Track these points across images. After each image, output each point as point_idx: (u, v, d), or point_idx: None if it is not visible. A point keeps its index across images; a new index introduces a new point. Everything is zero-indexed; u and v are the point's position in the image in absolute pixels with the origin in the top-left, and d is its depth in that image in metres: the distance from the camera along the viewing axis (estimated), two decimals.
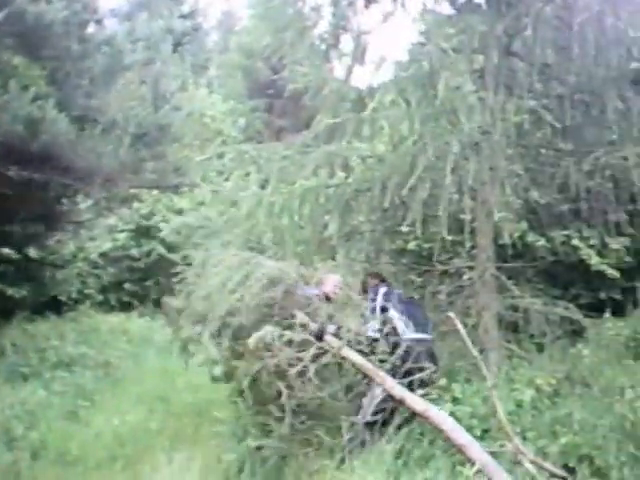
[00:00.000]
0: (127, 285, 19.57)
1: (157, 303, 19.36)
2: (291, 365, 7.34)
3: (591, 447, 6.54)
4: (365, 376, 7.42)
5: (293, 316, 7.82)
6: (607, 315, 9.56)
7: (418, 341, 7.70)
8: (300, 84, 9.41)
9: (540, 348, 8.90)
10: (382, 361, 7.36)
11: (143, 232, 19.85)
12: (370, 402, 7.30)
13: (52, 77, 13.15)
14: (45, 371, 11.38)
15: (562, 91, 9.00)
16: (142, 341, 14.42)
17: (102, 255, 19.56)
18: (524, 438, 6.66)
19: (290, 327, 7.66)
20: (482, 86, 8.45)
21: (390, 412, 7.19)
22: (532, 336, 9.02)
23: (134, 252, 19.69)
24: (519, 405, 7.18)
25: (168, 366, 12.09)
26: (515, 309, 9.13)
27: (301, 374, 7.32)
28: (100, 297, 18.90)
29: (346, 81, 9.39)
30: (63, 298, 17.23)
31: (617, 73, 8.89)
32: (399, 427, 7.02)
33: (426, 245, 10.22)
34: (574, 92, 8.95)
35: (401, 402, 6.97)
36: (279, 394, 7.28)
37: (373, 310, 7.95)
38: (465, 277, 9.57)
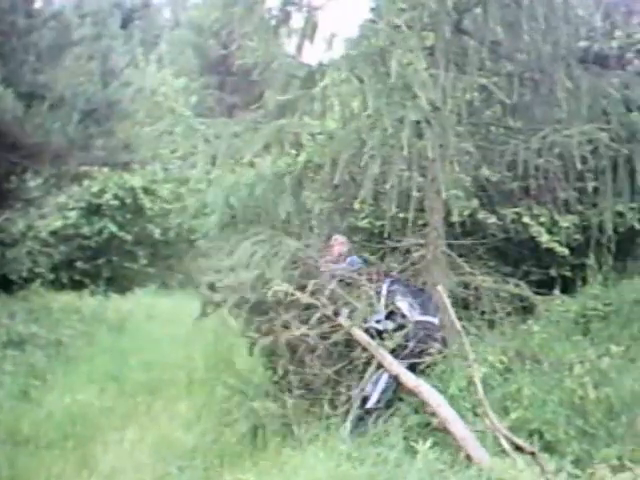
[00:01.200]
0: (78, 263, 19.41)
1: (109, 281, 19.28)
2: (302, 341, 7.61)
3: (541, 422, 6.64)
4: (368, 362, 7.50)
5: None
6: (557, 292, 9.67)
7: (424, 323, 7.81)
8: (249, 60, 9.35)
9: (491, 325, 8.96)
10: (382, 339, 7.52)
11: (94, 210, 19.67)
12: (373, 389, 7.36)
13: None
14: None
15: (512, 69, 9.05)
16: (94, 320, 14.29)
17: (52, 233, 19.33)
18: (475, 414, 6.72)
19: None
20: (433, 63, 8.44)
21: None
22: (483, 313, 9.06)
23: (85, 230, 19.51)
24: (469, 382, 7.23)
25: (120, 345, 12.02)
26: (466, 286, 9.18)
27: (311, 351, 7.58)
28: (51, 276, 18.70)
29: (296, 57, 9.31)
30: (13, 277, 17.01)
31: (566, 51, 8.95)
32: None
33: (378, 223, 10.23)
34: (524, 70, 9.01)
35: (396, 378, 7.12)
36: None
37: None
38: (416, 254, 9.60)
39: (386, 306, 7.99)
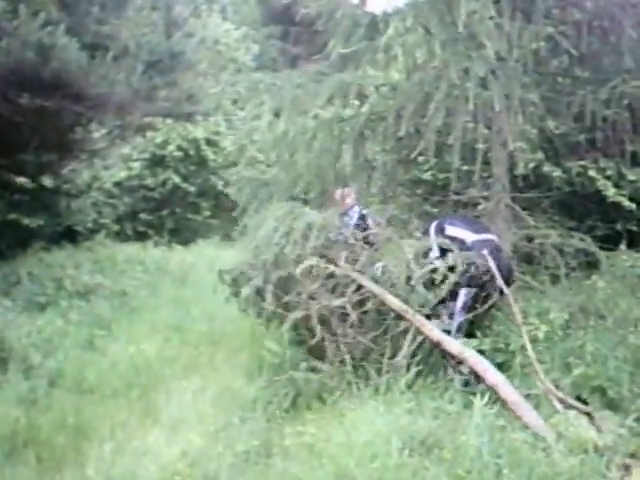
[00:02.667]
0: (142, 215, 19.63)
1: (173, 233, 19.46)
2: (333, 312, 7.45)
3: (604, 379, 6.54)
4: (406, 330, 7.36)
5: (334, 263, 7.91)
6: (623, 247, 9.50)
7: (483, 242, 7.72)
8: (313, 9, 9.27)
9: (555, 280, 8.85)
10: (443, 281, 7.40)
11: (158, 161, 19.83)
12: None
13: (62, 2, 12.94)
14: (62, 300, 11.40)
15: (579, 17, 8.82)
16: (157, 271, 14.42)
17: (117, 184, 19.57)
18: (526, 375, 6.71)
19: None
20: (498, 12, 8.26)
21: None
22: (547, 268, 8.96)
23: (149, 182, 19.69)
24: (533, 339, 7.17)
25: (183, 296, 12.13)
26: (530, 240, 9.07)
27: (343, 319, 7.42)
28: (115, 227, 18.97)
29: (360, 6, 9.19)
30: (79, 228, 17.26)
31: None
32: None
33: (441, 175, 10.14)
34: (592, 18, 8.77)
35: (437, 345, 6.97)
36: (322, 339, 7.38)
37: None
38: (480, 207, 9.50)
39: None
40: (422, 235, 8.17)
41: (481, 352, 6.84)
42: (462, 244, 7.72)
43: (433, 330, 7.04)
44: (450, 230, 7.89)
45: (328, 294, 7.64)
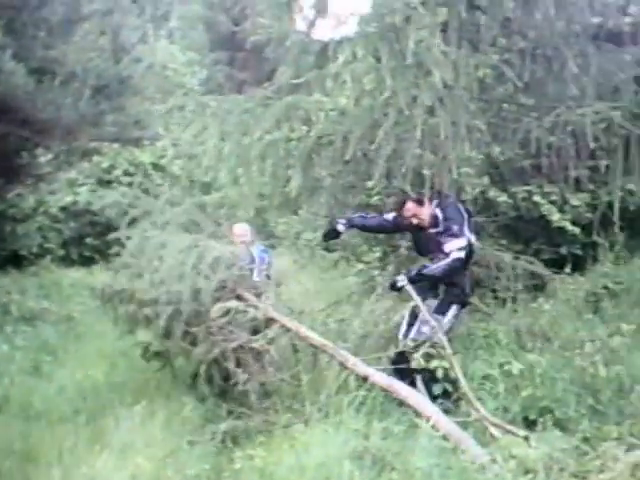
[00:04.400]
0: (88, 239, 19.43)
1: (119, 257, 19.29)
2: (249, 348, 7.30)
3: (552, 400, 6.64)
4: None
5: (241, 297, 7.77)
6: (567, 270, 9.68)
7: None
8: (262, 36, 9.32)
9: (501, 303, 8.98)
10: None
11: (104, 186, 19.69)
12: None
13: (9, 27, 12.89)
14: (7, 325, 11.31)
15: (524, 45, 8.98)
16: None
17: (63, 209, 19.39)
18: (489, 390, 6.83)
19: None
20: (445, 40, 8.38)
21: None
22: (494, 291, 9.08)
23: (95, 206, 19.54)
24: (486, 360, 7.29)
25: None
26: (476, 263, 9.18)
27: (259, 357, 7.27)
28: (61, 251, 18.77)
29: (308, 35, 9.27)
30: (24, 252, 17.09)
31: (579, 28, 8.90)
32: None
33: (389, 200, 10.22)
34: (536, 47, 8.94)
35: (365, 379, 6.76)
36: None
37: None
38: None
39: None
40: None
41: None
42: None
43: (357, 365, 6.85)
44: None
45: (244, 332, 7.44)
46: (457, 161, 8.28)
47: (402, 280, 7.34)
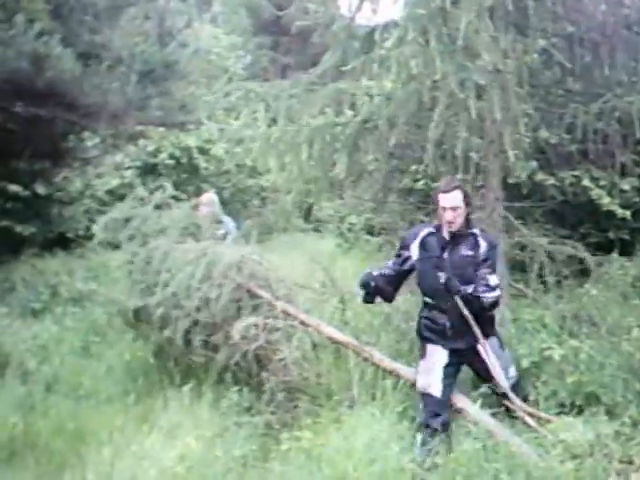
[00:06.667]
0: None
1: None
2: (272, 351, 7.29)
3: (598, 385, 6.63)
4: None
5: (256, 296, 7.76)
6: (615, 255, 9.60)
7: None
8: (308, 21, 9.34)
9: (547, 288, 8.94)
10: None
11: (149, 169, 19.83)
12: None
13: (56, 12, 13.00)
14: (56, 307, 11.48)
15: (571, 31, 8.92)
16: None
17: (109, 192, 19.54)
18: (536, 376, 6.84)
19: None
20: (493, 24, 8.35)
21: None
22: (540, 276, 9.04)
23: (140, 189, 19.67)
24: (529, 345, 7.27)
25: None
26: (522, 248, 9.16)
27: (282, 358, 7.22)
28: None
29: (353, 19, 9.27)
30: (70, 235, 17.27)
31: (628, 12, 8.83)
32: None
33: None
34: (584, 32, 8.88)
35: (392, 373, 6.74)
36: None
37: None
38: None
39: None
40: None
41: None
42: None
43: (384, 361, 6.80)
44: None
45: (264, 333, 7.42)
46: (509, 145, 8.23)
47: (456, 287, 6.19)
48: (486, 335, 6.27)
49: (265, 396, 7.15)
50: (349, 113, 10.35)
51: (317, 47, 10.04)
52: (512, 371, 6.58)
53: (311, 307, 7.87)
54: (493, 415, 6.01)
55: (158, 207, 9.26)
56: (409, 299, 7.78)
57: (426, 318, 6.43)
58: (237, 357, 7.40)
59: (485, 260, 6.26)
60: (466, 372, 6.66)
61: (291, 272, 9.01)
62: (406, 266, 6.53)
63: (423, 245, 6.42)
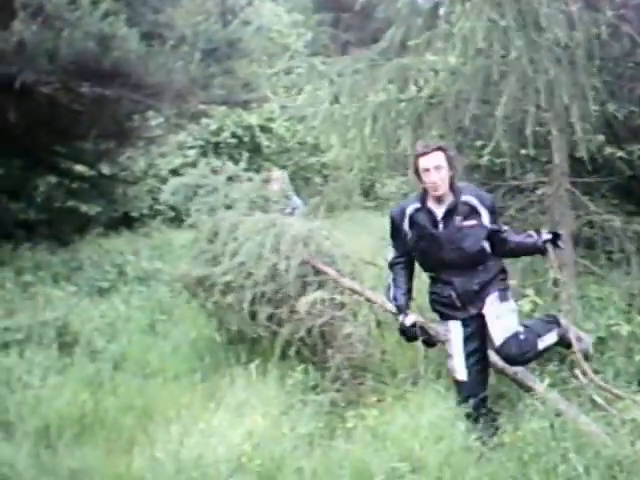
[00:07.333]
0: None
1: None
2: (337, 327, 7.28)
3: None
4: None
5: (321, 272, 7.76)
6: None
7: None
8: None
9: (614, 265, 8.79)
10: None
11: (212, 148, 19.95)
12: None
13: None
14: (123, 285, 11.65)
15: None
16: None
17: (172, 171, 19.72)
18: (602, 353, 6.69)
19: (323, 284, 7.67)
20: None
21: None
22: (607, 252, 8.90)
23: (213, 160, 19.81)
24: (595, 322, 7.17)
25: None
26: (590, 225, 9.01)
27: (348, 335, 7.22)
28: (171, 213, 19.12)
29: None
30: (135, 214, 17.49)
31: None
32: None
33: (499, 160, 10.09)
34: None
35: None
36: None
37: None
38: (538, 192, 9.45)
39: None
40: None
41: None
42: None
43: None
44: None
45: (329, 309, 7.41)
46: (578, 120, 8.08)
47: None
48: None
49: (330, 373, 7.18)
50: (413, 89, 10.26)
51: (378, 23, 9.98)
52: (548, 337, 6.18)
53: (376, 284, 7.82)
54: (561, 393, 5.95)
55: (230, 178, 9.25)
56: None
57: (433, 293, 6.30)
58: (302, 332, 7.43)
59: (497, 230, 6.10)
60: None
61: (355, 249, 8.95)
62: (409, 241, 6.24)
63: (412, 224, 6.13)
